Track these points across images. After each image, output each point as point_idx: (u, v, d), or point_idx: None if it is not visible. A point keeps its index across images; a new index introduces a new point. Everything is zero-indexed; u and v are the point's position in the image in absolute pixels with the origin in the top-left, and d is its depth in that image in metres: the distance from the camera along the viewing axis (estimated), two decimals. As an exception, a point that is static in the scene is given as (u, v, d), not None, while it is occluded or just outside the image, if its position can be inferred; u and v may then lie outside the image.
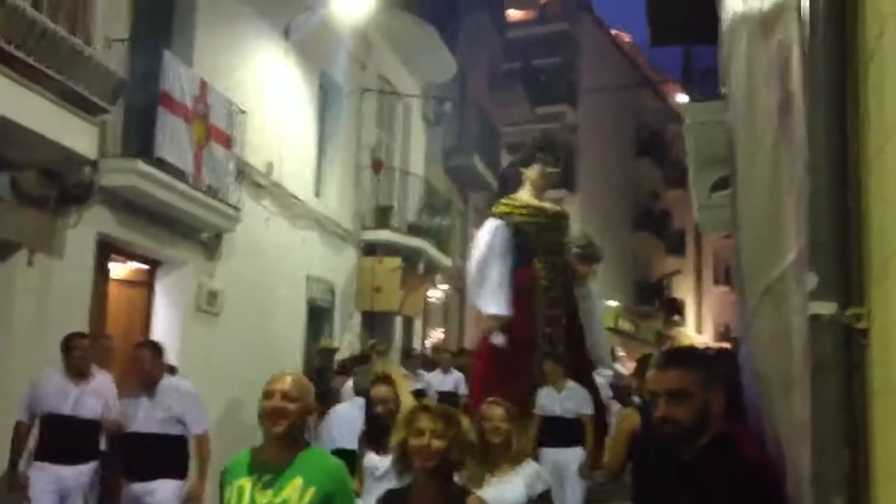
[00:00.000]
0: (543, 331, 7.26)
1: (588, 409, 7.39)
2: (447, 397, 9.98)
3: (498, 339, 7.21)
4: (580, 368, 7.42)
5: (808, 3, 1.65)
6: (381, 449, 4.48)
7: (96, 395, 6.03)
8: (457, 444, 2.91)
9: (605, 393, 10.96)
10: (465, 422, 3.05)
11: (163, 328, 9.16)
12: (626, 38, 34.42)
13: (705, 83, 8.02)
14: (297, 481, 2.98)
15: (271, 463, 3.05)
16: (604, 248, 8.02)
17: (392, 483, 3.37)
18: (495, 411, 4.19)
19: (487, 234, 7.40)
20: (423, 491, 2.92)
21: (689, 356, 2.45)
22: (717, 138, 5.02)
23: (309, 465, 3.05)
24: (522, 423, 5.47)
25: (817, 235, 1.59)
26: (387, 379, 4.98)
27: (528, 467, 4.21)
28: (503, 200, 7.76)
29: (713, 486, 2.11)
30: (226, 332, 9.96)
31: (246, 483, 3.03)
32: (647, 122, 33.40)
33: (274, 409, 3.02)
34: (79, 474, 5.93)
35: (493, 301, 7.16)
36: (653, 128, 33.40)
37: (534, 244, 7.39)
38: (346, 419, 5.86)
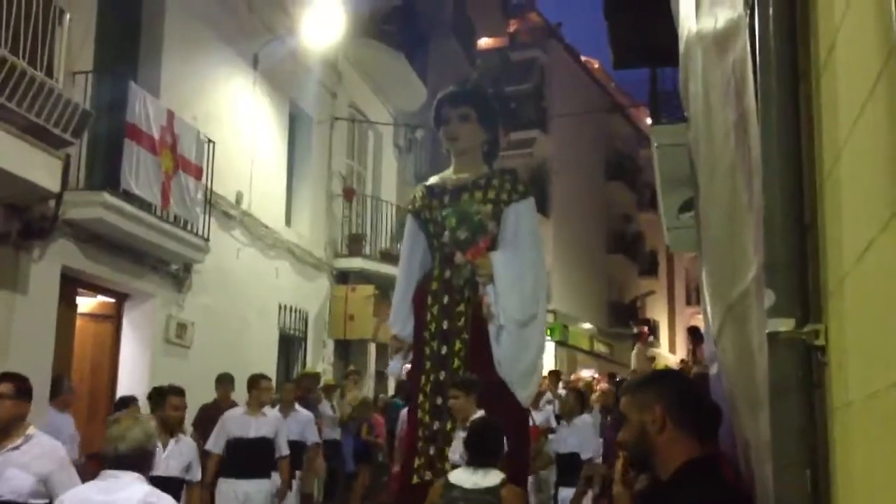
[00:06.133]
0: (437, 350, 5.18)
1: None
2: (292, 448, 7.61)
3: (393, 368, 5.86)
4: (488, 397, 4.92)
5: (759, 19, 1.64)
6: None
7: None
8: None
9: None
10: None
11: (131, 362, 9.04)
12: (595, 64, 34.79)
13: (674, 106, 8.10)
14: None
15: None
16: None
17: None
18: None
19: None
20: None
21: (630, 383, 2.63)
22: (682, 160, 5.04)
23: None
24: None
25: (773, 253, 1.57)
26: None
27: None
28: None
29: None
30: (197, 364, 9.81)
31: None
32: (618, 147, 33.75)
33: None
34: None
35: (392, 317, 5.46)
36: (624, 152, 33.76)
37: (434, 235, 5.34)
38: None
